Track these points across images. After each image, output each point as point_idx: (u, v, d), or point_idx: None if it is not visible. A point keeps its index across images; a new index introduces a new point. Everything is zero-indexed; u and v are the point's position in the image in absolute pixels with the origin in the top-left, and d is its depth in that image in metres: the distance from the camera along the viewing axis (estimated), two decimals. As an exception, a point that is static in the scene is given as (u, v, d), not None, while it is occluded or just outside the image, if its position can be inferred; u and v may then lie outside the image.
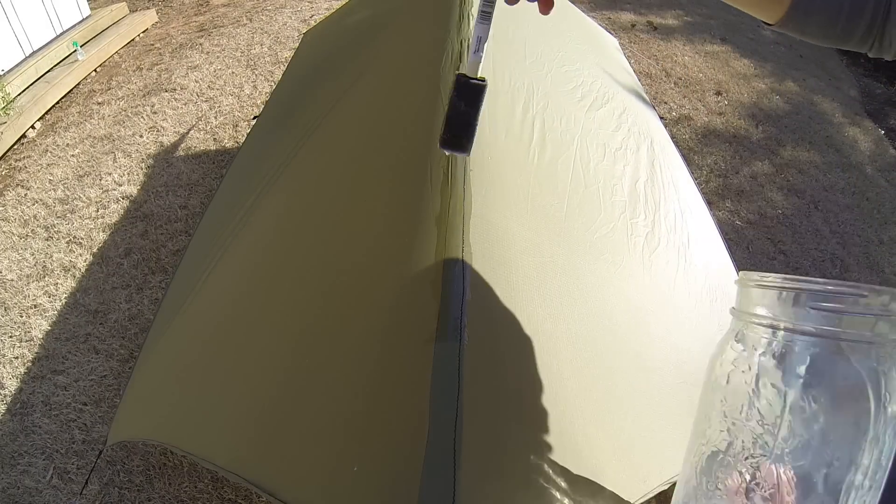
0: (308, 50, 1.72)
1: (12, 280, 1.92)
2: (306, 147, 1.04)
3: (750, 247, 2.05)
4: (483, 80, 0.61)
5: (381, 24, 1.27)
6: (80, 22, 3.42)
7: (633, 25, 3.51)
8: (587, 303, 0.69)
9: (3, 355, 1.68)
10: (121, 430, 0.87)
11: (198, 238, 1.20)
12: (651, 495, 0.58)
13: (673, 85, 2.90)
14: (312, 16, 3.50)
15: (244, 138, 2.49)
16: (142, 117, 2.70)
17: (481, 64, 0.59)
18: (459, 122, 0.62)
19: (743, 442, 0.41)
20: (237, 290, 0.87)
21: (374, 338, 0.62)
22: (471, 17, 0.58)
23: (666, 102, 2.71)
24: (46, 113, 2.85)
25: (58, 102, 2.93)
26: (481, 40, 0.57)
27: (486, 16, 0.56)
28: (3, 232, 2.12)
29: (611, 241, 0.81)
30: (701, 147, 2.50)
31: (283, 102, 1.44)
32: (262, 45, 3.24)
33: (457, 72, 0.63)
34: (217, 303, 0.90)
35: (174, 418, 0.77)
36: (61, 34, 3.26)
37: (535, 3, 0.52)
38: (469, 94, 0.61)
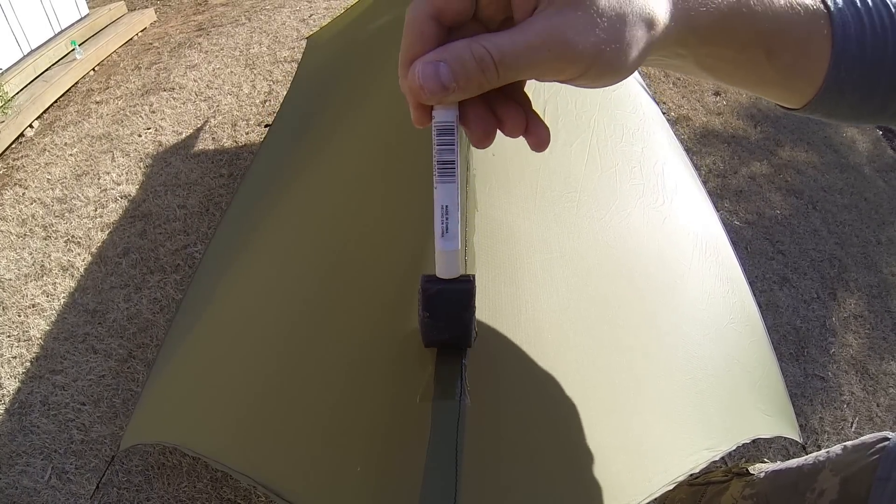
0: (319, 56, 1.71)
1: (10, 280, 1.91)
2: (327, 156, 1.04)
3: (748, 247, 2.06)
4: (468, 277, 0.42)
5: (397, 29, 1.27)
6: (79, 21, 3.41)
7: (632, 26, 3.52)
8: (595, 299, 0.69)
9: (2, 355, 1.68)
10: (136, 433, 0.87)
11: (214, 246, 1.20)
12: (656, 495, 0.58)
13: (671, 85, 2.91)
14: (311, 15, 3.49)
15: (245, 140, 2.49)
16: (140, 116, 2.70)
17: (463, 255, 0.39)
18: (442, 333, 0.47)
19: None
20: (250, 298, 0.87)
21: (378, 341, 0.62)
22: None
23: (664, 102, 2.72)
24: (44, 112, 2.84)
25: (56, 101, 2.92)
26: (450, 212, 0.35)
27: (447, 171, 0.34)
28: (1, 231, 2.11)
29: (623, 231, 0.80)
30: (699, 147, 2.50)
31: (300, 112, 1.44)
32: (260, 44, 3.24)
33: (423, 274, 0.42)
34: (231, 310, 0.90)
35: (187, 421, 0.77)
36: (59, 33, 3.25)
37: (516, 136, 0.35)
38: (446, 304, 0.43)
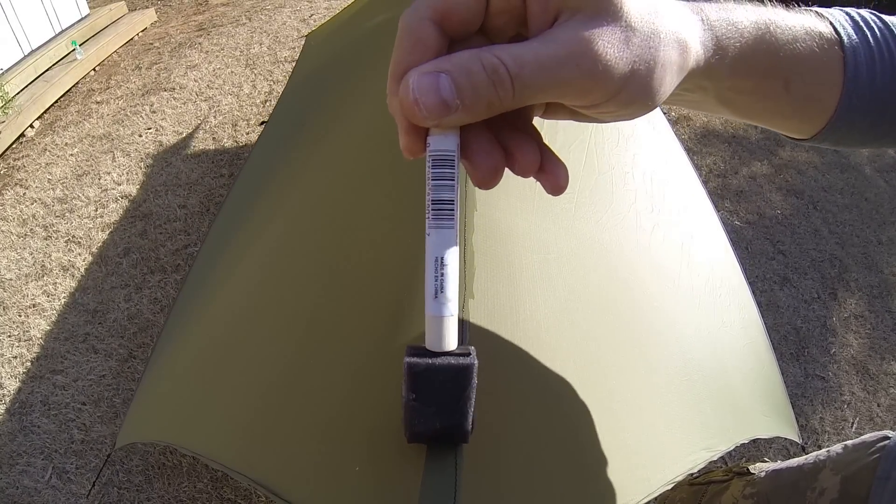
0: (316, 53, 1.71)
1: (11, 279, 1.92)
2: (321, 154, 1.03)
3: (749, 247, 2.06)
4: (467, 349, 0.33)
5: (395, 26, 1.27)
6: (79, 21, 3.42)
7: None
8: (591, 300, 0.69)
9: (2, 355, 1.68)
10: (131, 432, 0.87)
11: (209, 243, 1.20)
12: (655, 495, 0.58)
13: (672, 85, 2.91)
14: (312, 15, 3.50)
15: (246, 140, 2.50)
16: (140, 116, 2.70)
17: (454, 321, 0.30)
18: (431, 421, 0.36)
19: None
20: (248, 294, 0.88)
21: (380, 341, 0.62)
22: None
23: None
24: (45, 112, 2.84)
25: (56, 101, 2.92)
26: (446, 267, 0.28)
27: (444, 213, 0.27)
28: (2, 231, 2.11)
29: (618, 233, 0.80)
30: (700, 147, 2.50)
31: (296, 109, 1.44)
32: (261, 44, 3.24)
33: (408, 345, 0.33)
34: (227, 307, 0.90)
35: (183, 419, 0.77)
36: (60, 33, 3.25)
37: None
38: (439, 385, 0.33)
